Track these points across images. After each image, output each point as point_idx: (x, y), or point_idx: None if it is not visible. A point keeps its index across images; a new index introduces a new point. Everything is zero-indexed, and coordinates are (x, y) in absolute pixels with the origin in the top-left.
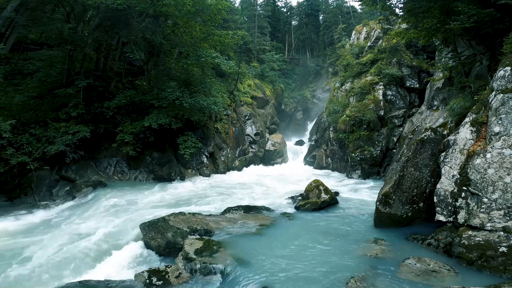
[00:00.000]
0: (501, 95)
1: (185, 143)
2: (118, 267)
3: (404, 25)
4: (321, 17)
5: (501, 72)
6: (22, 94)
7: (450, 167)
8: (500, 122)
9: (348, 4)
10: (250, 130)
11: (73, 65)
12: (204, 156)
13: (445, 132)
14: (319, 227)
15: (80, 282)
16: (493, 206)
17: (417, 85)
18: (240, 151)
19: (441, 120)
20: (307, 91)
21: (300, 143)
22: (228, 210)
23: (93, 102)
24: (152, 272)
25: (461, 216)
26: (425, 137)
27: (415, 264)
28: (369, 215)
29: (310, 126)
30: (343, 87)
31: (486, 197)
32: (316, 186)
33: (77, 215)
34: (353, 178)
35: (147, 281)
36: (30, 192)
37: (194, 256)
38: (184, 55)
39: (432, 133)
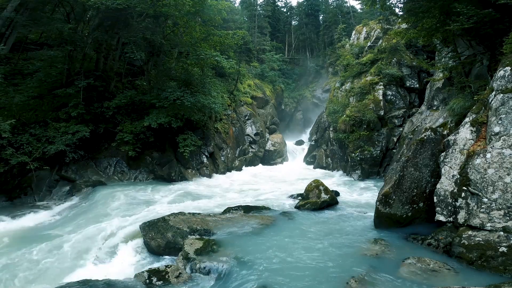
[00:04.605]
0: (501, 95)
1: (185, 141)
2: (118, 267)
3: (404, 25)
4: (321, 17)
5: (501, 72)
6: (22, 94)
7: (450, 167)
8: (500, 122)
9: (348, 4)
10: (250, 130)
11: (73, 65)
12: (204, 156)
13: (445, 132)
14: (319, 227)
15: (79, 281)
16: (493, 206)
17: (417, 85)
18: (240, 151)
19: (441, 120)
20: (307, 91)
21: (300, 143)
22: (228, 210)
23: (93, 102)
24: (152, 272)
25: (461, 216)
26: (425, 137)
27: (415, 264)
28: (369, 215)
29: (310, 126)
30: (343, 87)
31: (486, 197)
32: (316, 186)
33: (77, 215)
34: (353, 178)
35: (147, 281)
36: (30, 192)
37: (194, 256)
38: (184, 55)
39: (432, 133)
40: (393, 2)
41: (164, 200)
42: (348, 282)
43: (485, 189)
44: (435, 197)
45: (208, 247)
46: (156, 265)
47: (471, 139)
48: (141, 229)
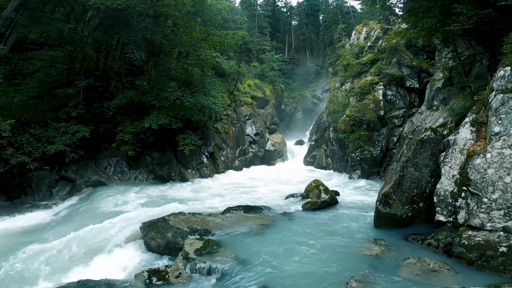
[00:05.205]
0: (501, 95)
1: (184, 140)
2: (118, 267)
3: (404, 25)
4: (321, 17)
5: (501, 72)
6: (22, 94)
7: (450, 167)
8: (500, 122)
9: (348, 4)
10: (250, 130)
11: (73, 65)
12: (204, 156)
13: (445, 132)
14: (319, 227)
15: (79, 281)
16: (493, 206)
17: (417, 85)
18: (240, 151)
19: (441, 120)
20: (307, 91)
21: (300, 143)
22: (228, 210)
23: (93, 102)
24: (152, 272)
25: (461, 216)
26: (425, 137)
27: (415, 264)
28: (369, 215)
29: (310, 126)
30: (343, 87)
31: (486, 197)
32: (316, 186)
33: (77, 215)
34: (353, 178)
35: (147, 281)
36: (30, 192)
37: (194, 256)
38: (184, 55)
39: (432, 133)
40: (393, 2)
41: (164, 200)
42: (348, 282)
43: (485, 189)
44: (435, 197)
45: (208, 247)
46: (156, 265)
47: (471, 139)
48: (141, 229)
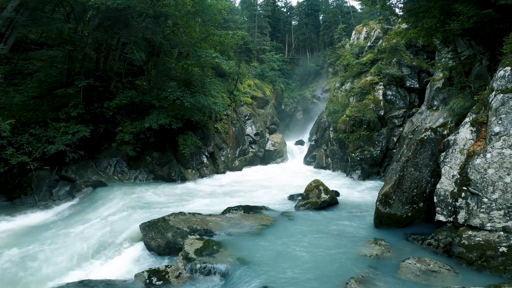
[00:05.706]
0: (501, 95)
1: (185, 141)
2: (118, 267)
3: (404, 25)
4: (321, 17)
5: (501, 72)
6: (22, 94)
7: (450, 167)
8: (500, 122)
9: (348, 4)
10: (250, 130)
11: (73, 65)
12: (204, 156)
13: (445, 132)
14: (319, 227)
15: (80, 282)
16: (493, 206)
17: (417, 85)
18: (240, 151)
19: (441, 120)
20: (307, 91)
21: (300, 143)
22: (228, 210)
23: (93, 102)
24: (152, 272)
25: (461, 216)
26: (425, 137)
27: (415, 264)
28: (369, 215)
29: (310, 126)
30: (343, 87)
31: (486, 197)
32: (316, 186)
33: (77, 215)
34: (353, 178)
35: (147, 281)
36: (30, 192)
37: (194, 256)
38: (184, 55)
39: (432, 133)
40: (393, 2)
41: (164, 200)
42: (348, 283)
43: (485, 189)
44: (435, 197)
45: (208, 247)
46: (156, 265)
47: (471, 139)
48: (141, 229)
